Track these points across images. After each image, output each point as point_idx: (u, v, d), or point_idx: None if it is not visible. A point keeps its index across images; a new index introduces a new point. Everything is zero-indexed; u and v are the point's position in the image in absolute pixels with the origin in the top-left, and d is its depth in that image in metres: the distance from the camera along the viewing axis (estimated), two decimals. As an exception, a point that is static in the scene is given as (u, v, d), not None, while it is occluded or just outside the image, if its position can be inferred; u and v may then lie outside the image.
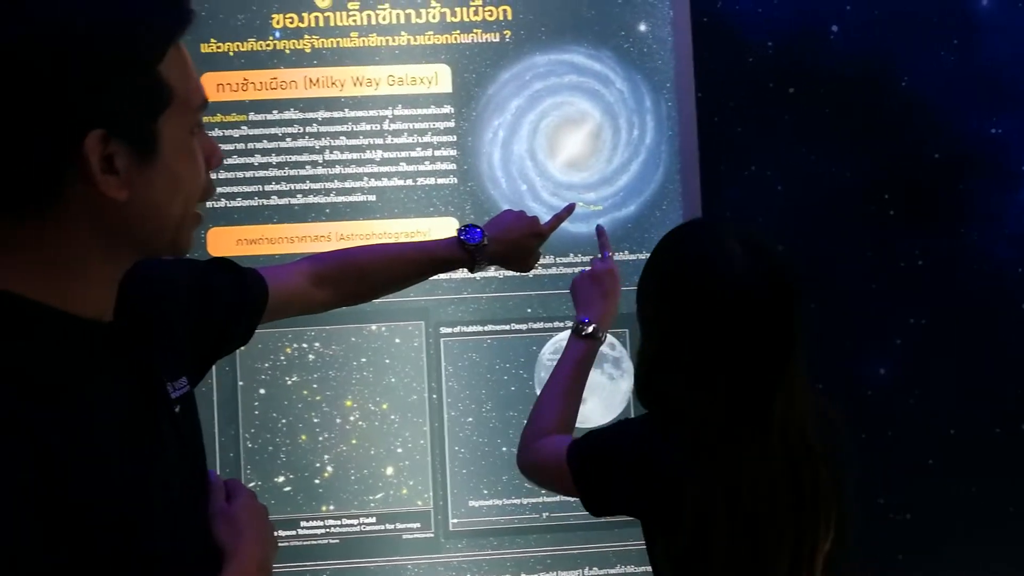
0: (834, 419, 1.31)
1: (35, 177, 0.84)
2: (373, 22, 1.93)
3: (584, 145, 1.95)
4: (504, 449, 1.92)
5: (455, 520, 1.92)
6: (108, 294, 0.93)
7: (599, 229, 1.65)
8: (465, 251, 1.45)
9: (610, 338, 1.92)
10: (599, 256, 1.60)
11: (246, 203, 1.91)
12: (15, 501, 0.79)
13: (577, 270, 1.90)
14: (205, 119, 1.93)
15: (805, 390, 1.25)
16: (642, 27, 1.95)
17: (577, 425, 1.90)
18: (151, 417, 0.96)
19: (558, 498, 1.92)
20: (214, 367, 1.86)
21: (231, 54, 1.91)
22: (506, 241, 1.50)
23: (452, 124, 1.94)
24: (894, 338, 2.22)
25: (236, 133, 1.91)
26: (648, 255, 1.89)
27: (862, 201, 2.20)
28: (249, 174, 1.91)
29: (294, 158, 1.92)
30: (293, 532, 1.89)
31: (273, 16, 1.92)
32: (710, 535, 1.22)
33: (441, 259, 1.45)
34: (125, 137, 0.85)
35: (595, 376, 1.89)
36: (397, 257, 1.45)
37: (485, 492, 1.92)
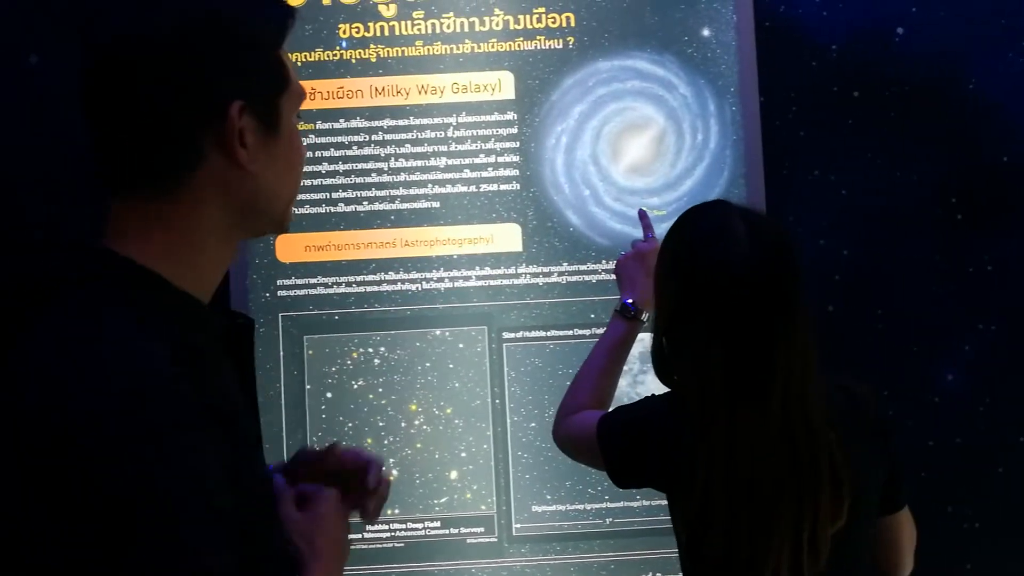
0: (861, 397, 1.34)
1: (181, 145, 0.90)
2: (437, 30, 1.95)
3: (647, 150, 1.95)
4: (567, 454, 1.93)
5: (518, 525, 1.93)
6: (218, 277, 0.97)
7: (641, 212, 1.67)
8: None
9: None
10: (644, 238, 1.62)
11: (313, 210, 1.94)
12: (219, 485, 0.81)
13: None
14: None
15: (810, 366, 1.27)
16: (705, 32, 1.95)
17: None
18: (255, 413, 1.01)
19: (621, 503, 1.92)
20: (282, 371, 1.91)
21: (299, 64, 1.94)
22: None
23: (515, 130, 1.95)
24: (962, 344, 2.18)
25: (304, 142, 1.93)
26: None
27: (929, 205, 2.17)
28: (316, 182, 1.94)
29: (360, 166, 1.94)
30: (359, 536, 1.91)
31: (340, 26, 1.95)
32: (712, 505, 1.26)
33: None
34: (256, 111, 0.91)
35: (659, 383, 1.90)
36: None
37: (548, 497, 1.92)
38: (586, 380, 1.53)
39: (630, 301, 1.54)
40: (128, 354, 0.82)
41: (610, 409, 1.47)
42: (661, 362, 1.37)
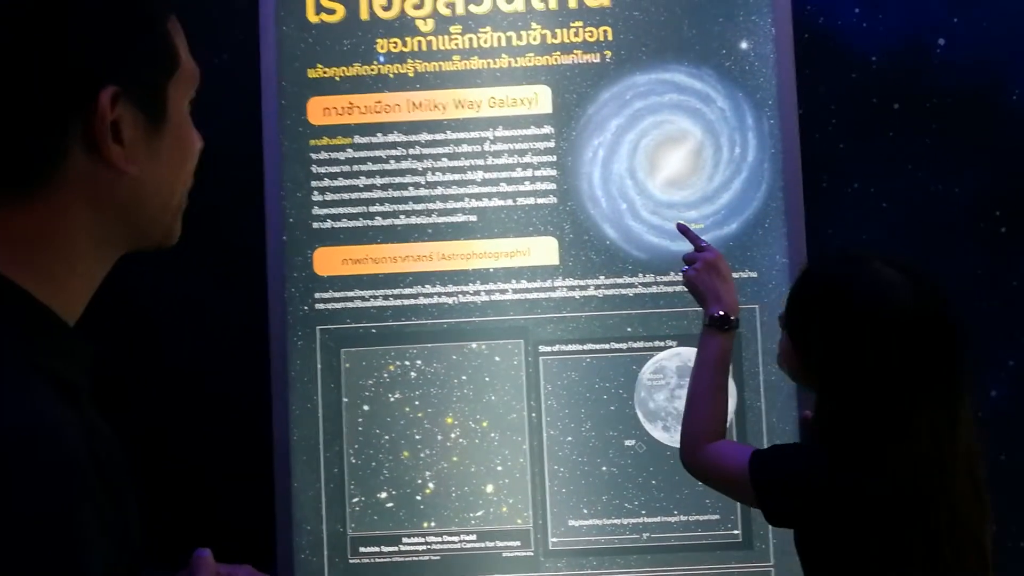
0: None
1: (36, 139, 0.73)
2: (475, 45, 1.96)
3: (685, 163, 1.94)
4: (604, 469, 1.92)
5: (555, 539, 1.92)
6: (86, 294, 0.81)
7: (682, 227, 1.67)
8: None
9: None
10: (697, 249, 1.61)
11: (351, 224, 1.95)
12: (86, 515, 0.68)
13: (678, 289, 1.90)
14: (312, 142, 1.99)
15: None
16: (743, 45, 1.94)
17: (677, 446, 1.89)
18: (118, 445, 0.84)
19: (659, 518, 1.91)
20: (319, 384, 1.92)
21: (337, 79, 1.96)
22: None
23: (552, 144, 1.95)
24: (1007, 359, 2.14)
25: (342, 156, 1.95)
26: (751, 273, 1.89)
27: (971, 218, 2.14)
28: (354, 195, 1.95)
29: (398, 180, 1.96)
30: (395, 548, 1.91)
31: (378, 41, 1.96)
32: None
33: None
34: (137, 99, 0.76)
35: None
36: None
37: (585, 511, 1.92)
38: (703, 403, 1.52)
39: (721, 313, 1.53)
40: (6, 394, 0.67)
41: (758, 448, 1.46)
42: (832, 427, 1.34)
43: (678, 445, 1.89)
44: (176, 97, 0.81)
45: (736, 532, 1.90)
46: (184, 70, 0.82)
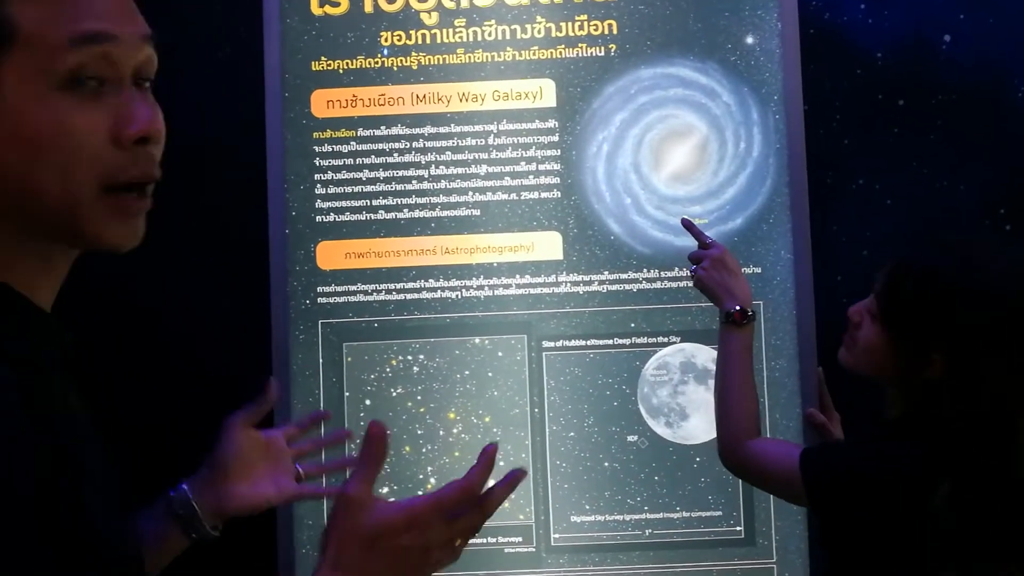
0: None
1: None
2: (479, 38, 1.95)
3: (690, 158, 1.93)
4: (606, 464, 1.91)
5: (557, 535, 1.91)
6: (43, 280, 0.78)
7: (686, 222, 1.66)
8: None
9: (714, 354, 1.90)
10: (702, 245, 1.61)
11: (354, 217, 1.94)
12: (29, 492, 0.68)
13: (682, 285, 1.89)
14: (316, 135, 1.98)
15: None
16: (749, 39, 1.93)
17: (680, 442, 1.89)
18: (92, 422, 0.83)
19: (661, 515, 1.90)
20: (321, 378, 1.91)
21: (340, 71, 1.95)
22: (206, 473, 1.22)
23: (556, 138, 1.94)
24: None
25: (345, 149, 1.94)
26: (756, 269, 1.89)
27: (976, 216, 2.13)
28: (357, 189, 1.94)
29: (401, 173, 1.95)
30: (397, 543, 1.90)
31: (382, 34, 1.95)
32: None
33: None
34: None
35: (700, 393, 1.88)
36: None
37: (587, 507, 1.91)
38: (734, 402, 1.54)
39: (737, 308, 1.53)
40: None
41: (808, 446, 1.50)
42: (923, 417, 1.35)
43: (680, 441, 1.90)
44: (12, 76, 0.71)
45: (738, 528, 1.89)
46: (31, 44, 0.72)
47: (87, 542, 0.72)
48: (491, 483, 0.93)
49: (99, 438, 0.82)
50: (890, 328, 1.41)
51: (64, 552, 0.69)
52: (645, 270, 1.92)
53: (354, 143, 1.95)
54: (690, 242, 1.90)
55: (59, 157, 0.73)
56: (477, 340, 1.93)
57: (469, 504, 0.91)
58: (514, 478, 0.92)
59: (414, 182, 1.95)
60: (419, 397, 1.93)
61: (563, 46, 1.95)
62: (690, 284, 1.89)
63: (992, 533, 1.28)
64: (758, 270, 1.91)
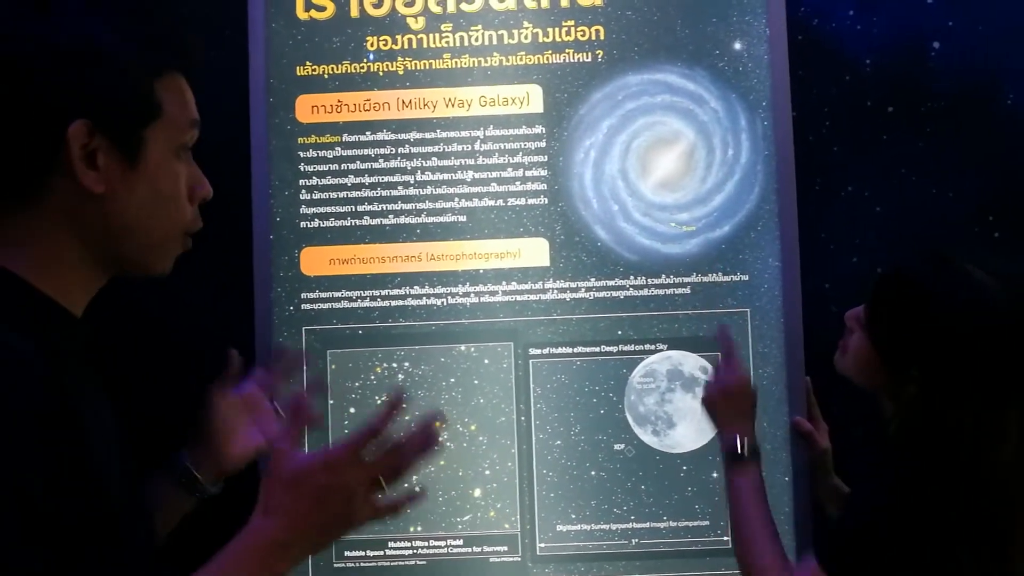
0: None
1: (21, 161, 0.88)
2: (465, 43, 1.94)
3: (677, 165, 1.92)
4: (593, 473, 1.90)
5: (543, 544, 1.89)
6: (82, 295, 0.97)
7: (723, 333, 1.66)
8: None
9: (702, 362, 1.89)
10: (726, 357, 1.59)
11: (339, 223, 1.92)
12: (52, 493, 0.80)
13: (669, 292, 1.88)
14: (300, 140, 1.98)
15: None
16: (737, 45, 1.92)
17: (667, 450, 1.87)
18: (117, 425, 0.98)
19: (648, 524, 1.89)
20: (305, 386, 1.89)
21: (325, 76, 1.93)
22: (198, 434, 1.44)
23: (543, 144, 1.93)
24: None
25: (330, 154, 1.93)
26: (743, 276, 1.88)
27: (966, 223, 2.13)
28: (342, 194, 1.93)
29: (386, 179, 1.93)
30: (381, 552, 1.89)
31: (368, 39, 1.94)
32: None
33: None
34: (111, 135, 0.90)
35: (687, 401, 1.87)
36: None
37: (573, 516, 1.89)
38: (760, 543, 1.48)
39: (743, 447, 1.51)
40: None
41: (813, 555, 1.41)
42: (915, 436, 1.32)
43: (667, 450, 1.89)
44: (155, 142, 0.93)
45: (725, 539, 1.87)
46: (170, 122, 0.94)
47: (105, 506, 0.86)
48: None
49: (114, 417, 0.97)
50: (874, 339, 1.39)
51: (83, 514, 0.83)
52: (632, 277, 1.91)
53: (339, 148, 1.93)
54: (678, 250, 1.90)
55: (171, 208, 0.96)
56: (463, 347, 1.92)
57: (381, 446, 1.07)
58: (428, 423, 1.12)
59: (400, 188, 1.93)
60: (404, 405, 1.90)
61: (550, 52, 1.93)
62: (677, 291, 1.89)
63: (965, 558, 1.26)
64: (745, 277, 1.90)
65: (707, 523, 1.88)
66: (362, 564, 1.88)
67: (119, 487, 0.91)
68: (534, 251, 1.92)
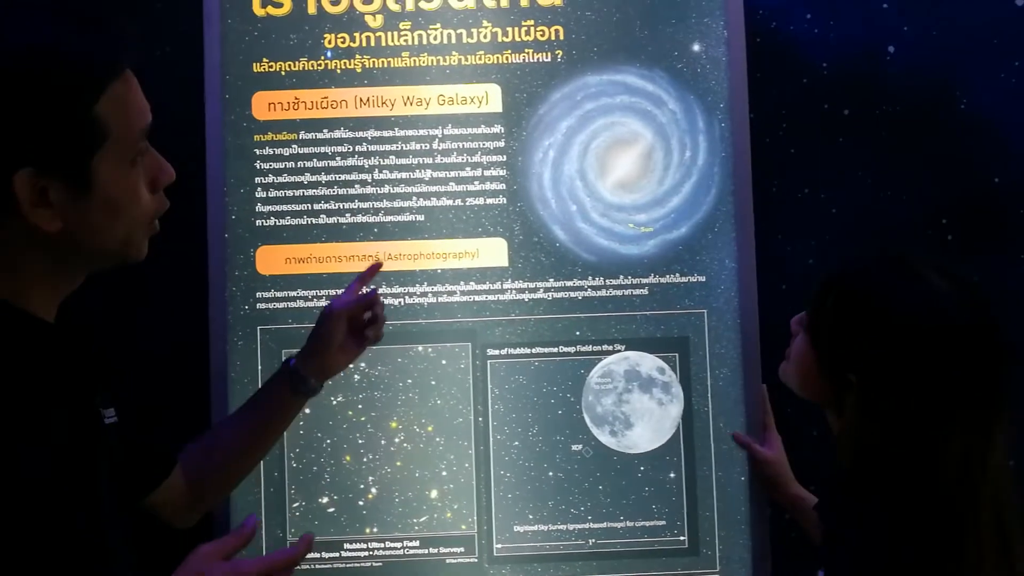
0: None
1: None
2: (424, 42, 1.92)
3: (635, 166, 1.92)
4: (551, 474, 1.89)
5: (499, 545, 1.89)
6: (53, 301, 0.98)
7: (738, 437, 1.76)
8: (288, 374, 1.52)
9: (659, 362, 1.90)
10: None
11: (295, 222, 1.90)
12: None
13: (627, 292, 1.88)
14: (257, 137, 1.96)
15: None
16: (696, 47, 1.92)
17: (624, 451, 1.88)
18: (86, 427, 0.99)
19: (604, 524, 1.89)
20: (260, 385, 1.87)
21: (283, 73, 1.91)
22: (311, 345, 1.55)
23: (502, 144, 1.92)
24: (952, 366, 2.15)
25: (286, 152, 1.91)
26: (700, 277, 1.88)
27: (919, 225, 2.15)
28: (298, 193, 1.91)
29: (343, 177, 1.91)
30: (336, 554, 1.87)
31: (325, 36, 1.92)
32: None
33: (274, 394, 1.52)
34: (58, 175, 0.88)
35: (644, 401, 1.87)
36: (237, 421, 1.52)
37: (531, 517, 1.89)
38: None
39: None
40: None
41: None
42: (858, 441, 1.24)
43: (624, 450, 1.89)
44: (105, 164, 0.90)
45: (682, 538, 1.88)
46: (117, 139, 0.91)
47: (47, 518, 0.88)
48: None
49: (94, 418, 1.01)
50: (814, 342, 1.32)
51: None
52: (590, 278, 1.91)
53: (296, 146, 1.91)
54: (636, 251, 1.90)
55: (131, 214, 0.95)
56: (420, 348, 1.91)
57: None
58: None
59: (357, 186, 1.91)
60: (360, 406, 1.89)
61: (509, 51, 1.93)
62: (634, 292, 1.89)
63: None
64: (702, 279, 1.90)
65: (664, 523, 1.88)
66: (317, 566, 1.87)
67: (78, 498, 0.93)
68: (492, 251, 1.92)
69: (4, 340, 0.91)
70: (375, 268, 1.63)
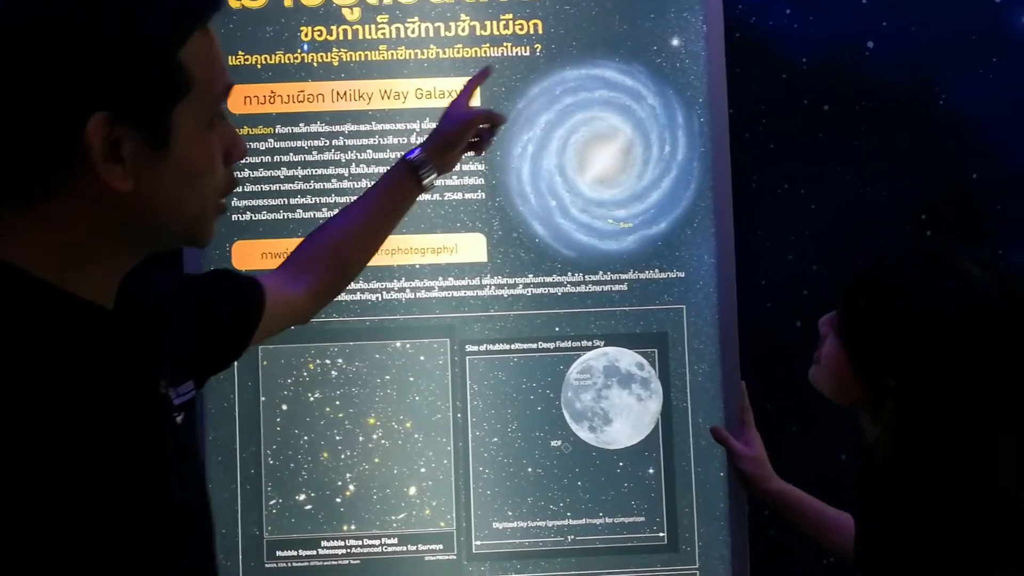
0: None
1: (39, 158, 0.80)
2: (402, 35, 1.91)
3: (614, 161, 1.91)
4: (530, 470, 1.88)
5: (478, 542, 1.88)
6: (111, 283, 0.89)
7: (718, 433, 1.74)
8: (407, 166, 1.52)
9: (638, 358, 1.89)
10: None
11: (271, 216, 1.89)
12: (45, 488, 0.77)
13: (606, 288, 1.87)
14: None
15: None
16: (675, 42, 1.92)
17: (603, 446, 1.87)
18: (150, 418, 0.91)
19: (584, 520, 1.88)
20: (236, 382, 1.85)
21: (259, 67, 1.89)
22: (439, 142, 1.57)
23: (480, 139, 1.90)
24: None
25: (263, 146, 1.89)
26: (679, 273, 1.88)
27: (898, 221, 2.15)
28: (275, 187, 1.89)
29: (320, 171, 1.90)
30: (314, 552, 1.86)
31: (302, 29, 1.90)
32: None
33: (393, 185, 1.53)
34: (135, 124, 0.80)
35: (623, 397, 1.86)
36: (355, 209, 1.50)
37: (510, 514, 1.88)
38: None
39: None
40: None
41: None
42: (907, 457, 1.17)
43: (603, 446, 1.88)
44: (186, 121, 0.83)
45: (662, 535, 1.88)
46: (200, 92, 0.84)
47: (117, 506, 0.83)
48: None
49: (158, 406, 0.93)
50: (846, 343, 1.26)
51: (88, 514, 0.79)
52: (569, 273, 1.90)
53: (272, 140, 1.89)
54: (615, 246, 1.90)
55: (205, 183, 0.87)
56: (398, 344, 1.89)
57: None
58: None
59: (334, 181, 1.90)
60: (338, 402, 1.88)
61: (487, 45, 1.92)
62: (614, 288, 1.89)
63: None
64: (681, 274, 1.90)
65: (643, 519, 1.88)
66: (294, 564, 1.85)
67: (142, 484, 0.87)
68: (471, 246, 1.90)
69: (54, 333, 0.82)
70: (486, 72, 1.64)
